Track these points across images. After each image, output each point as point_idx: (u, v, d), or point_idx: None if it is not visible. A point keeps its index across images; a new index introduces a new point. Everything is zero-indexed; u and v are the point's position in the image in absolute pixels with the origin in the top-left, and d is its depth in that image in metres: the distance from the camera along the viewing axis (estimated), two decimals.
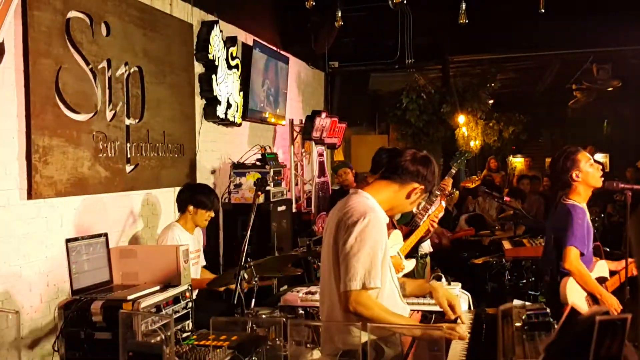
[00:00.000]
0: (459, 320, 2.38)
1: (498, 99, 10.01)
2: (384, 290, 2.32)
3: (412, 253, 4.21)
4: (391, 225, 4.15)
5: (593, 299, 3.34)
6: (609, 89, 11.22)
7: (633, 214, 3.18)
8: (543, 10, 4.63)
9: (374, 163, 3.94)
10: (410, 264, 4.13)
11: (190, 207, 4.01)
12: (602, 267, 3.53)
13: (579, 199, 3.48)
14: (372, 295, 2.25)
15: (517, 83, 12.38)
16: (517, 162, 13.62)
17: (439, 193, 4.13)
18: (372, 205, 2.36)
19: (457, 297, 2.69)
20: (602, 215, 7.37)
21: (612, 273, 3.57)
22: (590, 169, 3.48)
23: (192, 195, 4.04)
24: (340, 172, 6.33)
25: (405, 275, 3.90)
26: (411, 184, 2.40)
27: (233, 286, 3.26)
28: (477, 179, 9.17)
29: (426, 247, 4.51)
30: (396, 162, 2.42)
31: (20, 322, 3.28)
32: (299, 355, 2.14)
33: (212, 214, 4.13)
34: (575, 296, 3.31)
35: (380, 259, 2.26)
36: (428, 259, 4.47)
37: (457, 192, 4.30)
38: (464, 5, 4.84)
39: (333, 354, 2.30)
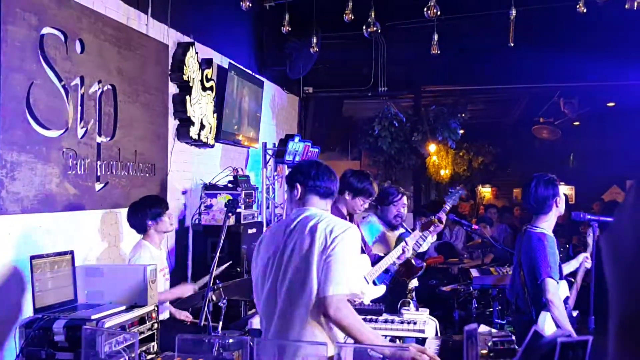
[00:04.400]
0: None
1: (468, 129, 10.21)
2: None
3: (401, 290, 4.26)
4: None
5: None
6: (575, 123, 11.57)
7: (602, 233, 3.28)
8: (512, 44, 4.77)
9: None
10: (379, 290, 4.15)
11: (150, 223, 3.98)
12: (564, 287, 3.61)
13: (548, 227, 3.55)
14: None
15: (486, 114, 12.67)
16: (486, 191, 13.86)
17: (433, 228, 4.20)
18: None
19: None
20: (568, 246, 7.53)
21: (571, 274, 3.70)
22: (563, 198, 3.59)
23: (146, 212, 4.01)
24: None
25: (374, 301, 3.92)
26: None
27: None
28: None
29: (414, 282, 4.55)
30: None
31: None
32: None
33: (172, 213, 4.14)
34: (551, 327, 3.36)
35: (355, 266, 2.44)
36: (413, 294, 4.51)
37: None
38: (436, 37, 4.97)
39: None
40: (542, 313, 3.36)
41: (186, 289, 4.03)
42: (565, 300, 3.55)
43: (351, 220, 4.07)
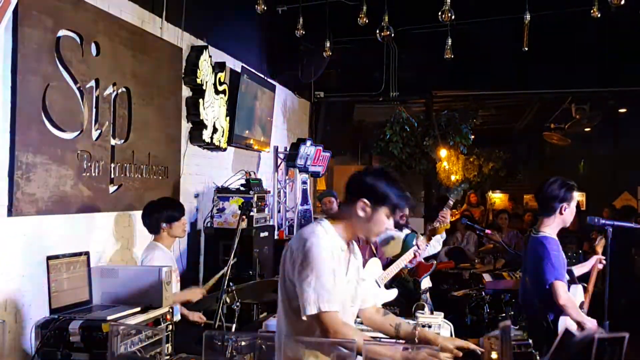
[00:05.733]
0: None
1: (479, 134, 10.18)
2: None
3: (415, 290, 4.24)
4: (370, 253, 4.17)
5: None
6: (587, 129, 11.50)
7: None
8: (526, 49, 4.75)
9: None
10: (390, 294, 4.14)
11: (164, 225, 4.00)
12: (579, 292, 3.58)
13: (550, 231, 3.53)
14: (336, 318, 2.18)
15: (498, 120, 12.62)
16: (497, 197, 13.79)
17: (437, 225, 4.17)
18: (320, 230, 2.30)
19: (455, 339, 2.70)
20: (580, 251, 7.47)
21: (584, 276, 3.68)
22: (573, 210, 3.56)
23: (161, 213, 4.03)
24: (325, 201, 6.38)
25: (387, 304, 3.90)
26: (358, 201, 2.30)
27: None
28: (456, 212, 9.25)
29: (426, 282, 4.53)
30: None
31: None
32: None
33: (186, 221, 4.14)
34: (571, 329, 3.34)
35: (330, 280, 2.19)
36: (428, 295, 4.48)
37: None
38: (449, 41, 4.96)
39: None
40: (562, 318, 3.34)
41: (195, 293, 4.01)
42: (580, 306, 3.52)
43: None
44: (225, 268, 3.43)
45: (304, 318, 2.18)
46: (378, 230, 2.36)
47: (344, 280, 2.33)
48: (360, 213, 2.30)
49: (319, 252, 2.20)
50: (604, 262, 3.81)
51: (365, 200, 2.29)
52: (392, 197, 2.31)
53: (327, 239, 2.28)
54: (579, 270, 3.79)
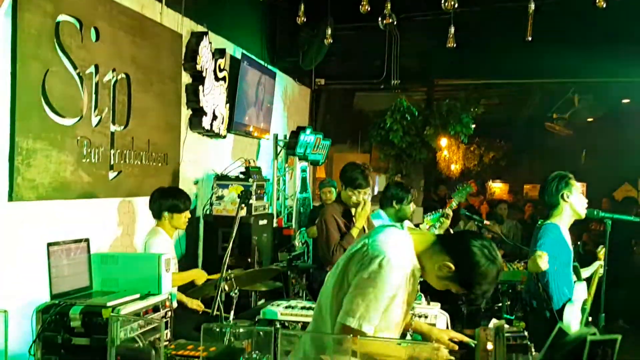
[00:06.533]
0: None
1: (480, 123, 10.16)
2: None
3: None
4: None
5: None
6: (589, 119, 11.48)
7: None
8: (530, 39, 4.71)
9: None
10: None
11: (166, 214, 4.05)
12: (583, 289, 3.60)
13: (559, 221, 3.55)
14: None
15: (499, 110, 12.60)
16: (497, 187, 13.81)
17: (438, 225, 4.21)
18: (402, 244, 2.16)
19: (450, 330, 2.71)
20: (578, 243, 7.49)
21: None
22: (579, 197, 3.58)
23: (165, 201, 4.09)
24: (324, 190, 6.40)
25: None
26: (446, 263, 2.12)
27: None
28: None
29: None
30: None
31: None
32: None
33: (189, 215, 4.18)
34: (574, 321, 3.37)
35: (385, 305, 2.09)
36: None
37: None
38: (452, 29, 4.92)
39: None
40: (567, 306, 3.37)
41: (201, 276, 4.09)
42: (584, 302, 3.54)
43: (350, 213, 4.06)
44: (225, 257, 3.43)
45: (339, 321, 2.12)
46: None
47: (404, 302, 2.19)
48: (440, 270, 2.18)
49: (392, 274, 2.07)
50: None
51: (451, 267, 2.15)
52: None
53: (405, 257, 2.16)
54: (583, 273, 3.80)
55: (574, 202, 3.60)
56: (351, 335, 1.98)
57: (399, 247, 2.15)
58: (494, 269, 2.09)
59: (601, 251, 3.88)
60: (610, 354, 1.07)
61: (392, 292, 2.09)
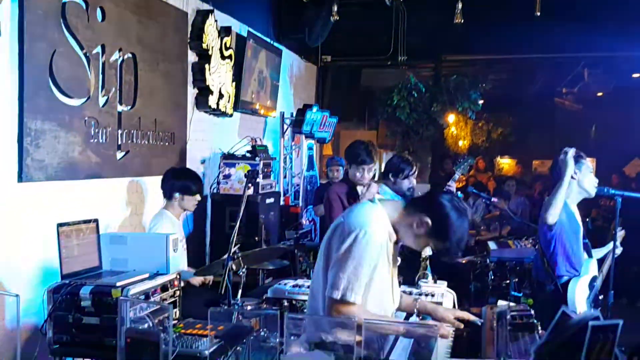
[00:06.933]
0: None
1: (488, 99, 10.08)
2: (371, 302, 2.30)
3: (415, 256, 4.28)
4: None
5: None
6: (599, 94, 11.36)
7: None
8: (539, 14, 4.66)
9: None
10: None
11: (176, 194, 4.06)
12: (593, 266, 3.60)
13: (567, 198, 3.53)
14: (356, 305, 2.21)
15: (508, 84, 12.48)
16: (505, 163, 13.75)
17: None
18: (375, 217, 2.28)
19: (456, 310, 2.74)
20: (587, 219, 7.47)
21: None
22: (589, 175, 3.55)
23: (177, 182, 4.09)
24: (332, 168, 6.41)
25: None
26: (422, 218, 2.27)
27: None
28: (463, 178, 9.25)
29: (428, 250, 4.56)
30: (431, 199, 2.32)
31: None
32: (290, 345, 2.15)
33: (199, 198, 4.18)
34: (580, 296, 3.38)
35: (368, 275, 2.22)
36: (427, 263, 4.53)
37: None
38: (460, 5, 4.87)
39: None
40: (573, 280, 3.38)
41: (195, 279, 3.97)
42: (593, 279, 3.54)
43: (356, 192, 4.05)
44: (233, 236, 3.45)
45: (327, 295, 2.25)
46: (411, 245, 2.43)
47: (387, 271, 2.33)
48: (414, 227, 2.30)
49: (369, 246, 2.21)
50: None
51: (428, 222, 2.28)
52: None
53: (380, 229, 2.27)
54: (596, 254, 3.78)
55: (583, 181, 3.57)
56: (340, 306, 2.17)
57: (374, 220, 2.28)
58: (465, 218, 2.27)
59: (620, 234, 3.83)
60: (612, 339, 1.08)
61: (372, 262, 2.23)
